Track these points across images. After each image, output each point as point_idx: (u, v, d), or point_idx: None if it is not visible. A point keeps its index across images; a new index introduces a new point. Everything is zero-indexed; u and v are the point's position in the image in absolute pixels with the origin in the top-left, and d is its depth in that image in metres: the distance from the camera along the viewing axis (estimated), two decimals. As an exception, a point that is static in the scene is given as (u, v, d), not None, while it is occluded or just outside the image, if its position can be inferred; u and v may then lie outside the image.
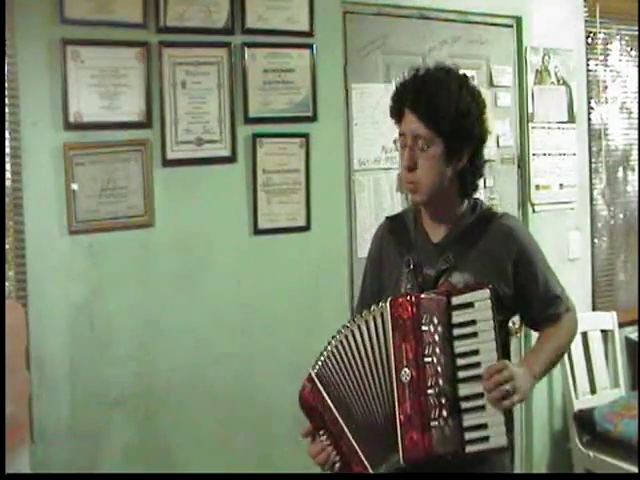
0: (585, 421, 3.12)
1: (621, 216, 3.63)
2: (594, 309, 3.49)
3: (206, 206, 2.57)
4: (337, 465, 1.57)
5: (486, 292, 1.47)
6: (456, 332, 1.47)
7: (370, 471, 1.51)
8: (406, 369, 1.46)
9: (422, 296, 1.49)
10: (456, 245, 1.62)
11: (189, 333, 2.53)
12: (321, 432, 1.58)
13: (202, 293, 2.56)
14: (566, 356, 3.19)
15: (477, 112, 1.60)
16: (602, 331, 3.38)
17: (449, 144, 1.57)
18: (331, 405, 1.56)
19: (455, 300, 1.48)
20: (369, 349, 1.52)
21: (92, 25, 2.36)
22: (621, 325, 3.45)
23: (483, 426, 1.45)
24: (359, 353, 1.54)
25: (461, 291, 1.51)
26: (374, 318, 1.52)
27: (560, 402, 3.34)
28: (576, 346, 3.26)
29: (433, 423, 1.44)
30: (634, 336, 3.50)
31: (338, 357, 1.56)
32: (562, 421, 3.35)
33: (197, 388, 2.55)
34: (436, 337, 1.47)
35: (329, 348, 1.58)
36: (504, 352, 1.54)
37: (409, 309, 1.48)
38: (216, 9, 2.54)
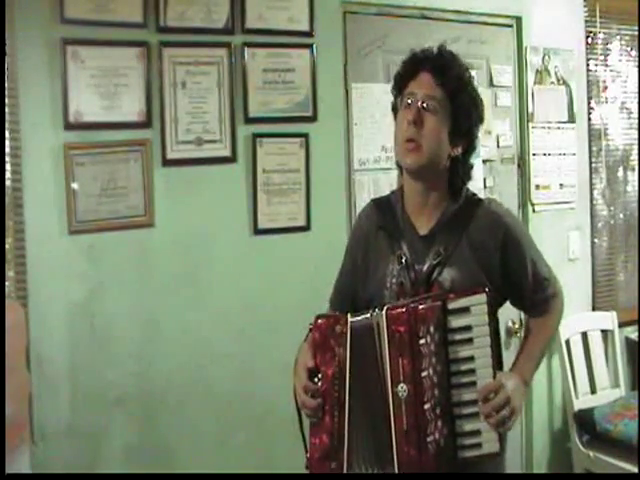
0: (585, 421, 3.12)
1: (621, 216, 3.63)
2: (594, 309, 3.48)
3: (206, 206, 2.57)
4: (313, 419, 1.51)
5: (482, 297, 1.45)
6: (451, 338, 1.45)
7: (344, 459, 1.47)
8: (403, 385, 1.44)
9: (420, 307, 1.45)
10: (444, 237, 1.58)
11: (189, 333, 2.54)
12: (319, 375, 1.51)
13: (202, 293, 2.56)
14: (566, 356, 3.20)
15: (481, 114, 1.63)
16: (602, 331, 3.38)
17: (456, 121, 1.56)
18: (348, 369, 1.48)
19: (452, 305, 1.46)
20: (368, 355, 1.48)
21: (92, 25, 2.36)
22: (621, 325, 3.45)
23: (476, 432, 1.44)
24: (362, 353, 1.49)
25: (458, 295, 1.47)
26: (370, 326, 1.48)
27: (560, 402, 3.34)
28: (576, 346, 3.26)
29: (429, 438, 1.42)
30: (634, 336, 3.50)
31: (359, 337, 1.49)
32: (562, 421, 3.35)
33: (197, 388, 2.55)
34: (432, 347, 1.44)
35: (360, 321, 1.50)
36: (496, 346, 1.51)
37: (406, 322, 1.44)
38: (216, 9, 2.54)
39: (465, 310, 1.45)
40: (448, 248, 1.57)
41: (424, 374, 1.43)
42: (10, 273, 2.30)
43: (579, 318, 3.34)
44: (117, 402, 2.43)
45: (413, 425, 1.43)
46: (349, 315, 1.52)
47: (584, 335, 3.31)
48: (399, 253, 1.60)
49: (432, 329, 1.44)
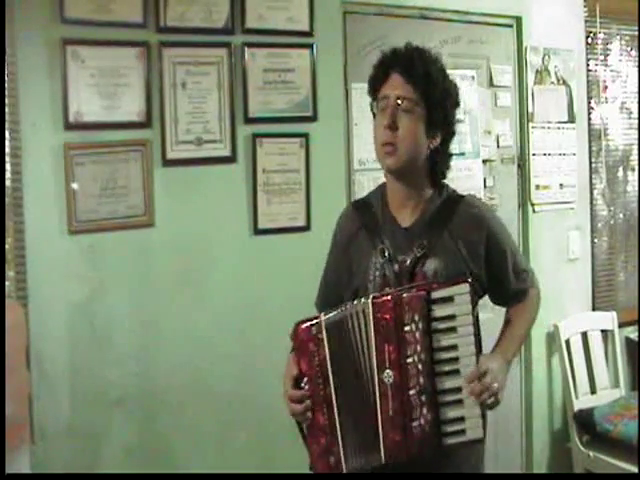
0: (585, 421, 3.11)
1: (621, 216, 3.63)
2: (594, 309, 3.48)
3: (206, 206, 2.57)
4: (307, 422, 1.56)
5: (465, 286, 1.48)
6: (435, 326, 1.48)
7: (342, 454, 1.50)
8: (388, 371, 1.48)
9: (404, 295, 1.49)
10: (427, 230, 1.62)
11: (189, 333, 2.54)
12: (305, 380, 1.56)
13: (202, 293, 2.56)
14: (566, 356, 3.20)
15: (456, 99, 1.67)
16: (602, 331, 3.38)
17: (430, 114, 1.60)
18: (329, 365, 1.53)
19: (435, 294, 1.49)
20: (353, 344, 1.52)
21: (92, 25, 2.36)
22: (621, 325, 3.45)
23: (460, 419, 1.48)
24: (348, 343, 1.52)
25: (441, 285, 1.51)
26: (357, 314, 1.51)
27: (560, 402, 3.33)
28: (576, 346, 3.26)
29: (414, 423, 1.46)
30: (634, 336, 3.50)
31: (339, 331, 1.53)
32: (562, 421, 3.35)
33: (197, 388, 2.55)
34: (417, 335, 1.48)
35: (335, 315, 1.55)
36: (476, 342, 1.54)
37: (391, 310, 1.48)
38: (216, 9, 2.54)
39: (449, 299, 1.49)
40: (431, 240, 1.61)
41: (409, 360, 1.47)
42: (10, 273, 2.30)
43: (579, 318, 3.34)
44: (117, 402, 2.43)
45: (399, 410, 1.47)
46: (322, 314, 1.56)
47: (584, 335, 3.31)
48: (381, 247, 1.63)
49: (417, 317, 1.48)
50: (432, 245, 1.60)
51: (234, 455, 2.59)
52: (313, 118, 2.71)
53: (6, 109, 2.26)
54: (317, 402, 1.54)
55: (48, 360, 2.33)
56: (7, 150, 2.27)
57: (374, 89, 1.67)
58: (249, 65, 2.60)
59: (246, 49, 2.60)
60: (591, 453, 3.09)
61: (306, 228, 2.72)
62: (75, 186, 2.36)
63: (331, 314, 1.55)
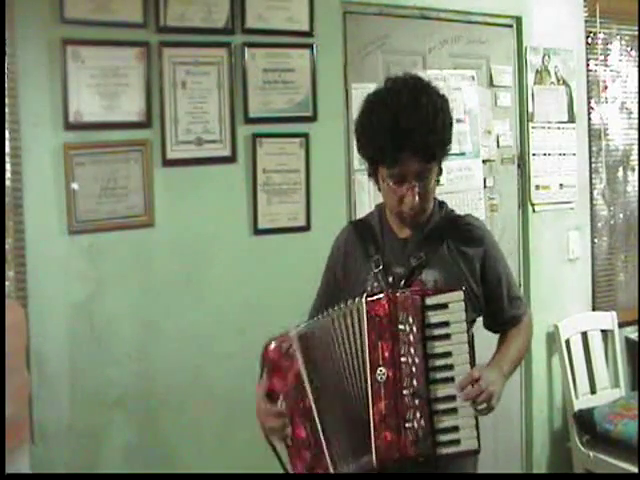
0: (585, 421, 3.11)
1: (621, 216, 3.63)
2: (594, 309, 3.48)
3: (206, 206, 2.57)
4: (287, 440, 1.52)
5: (460, 294, 1.47)
6: (430, 333, 1.46)
7: (329, 465, 1.47)
8: (382, 368, 1.45)
9: (398, 294, 1.48)
10: (425, 242, 1.62)
11: (189, 333, 2.54)
12: (280, 397, 1.53)
13: (202, 293, 2.56)
14: (566, 356, 3.20)
15: (452, 122, 1.61)
16: (602, 331, 3.38)
17: (441, 162, 1.60)
18: (305, 376, 1.51)
19: (429, 300, 1.47)
20: (345, 344, 1.49)
21: (92, 25, 2.36)
22: (621, 325, 3.45)
23: (455, 429, 1.45)
24: (335, 345, 1.50)
25: (436, 292, 1.49)
26: (350, 313, 1.49)
27: (560, 402, 3.34)
28: (576, 346, 3.26)
29: (407, 424, 1.43)
30: (634, 336, 3.50)
31: (317, 337, 1.52)
32: (562, 421, 3.35)
33: (197, 388, 2.55)
34: (411, 337, 1.45)
35: (309, 325, 1.55)
36: (471, 353, 1.52)
37: (385, 306, 1.46)
38: (216, 9, 2.54)
39: (443, 307, 1.47)
40: (429, 252, 1.60)
41: (403, 360, 1.45)
42: (10, 273, 2.30)
43: (579, 318, 3.34)
44: (117, 402, 2.43)
45: (392, 409, 1.44)
46: (293, 328, 1.54)
47: (584, 335, 3.31)
48: (376, 258, 1.63)
49: (411, 319, 1.46)
50: (430, 257, 1.59)
51: (234, 454, 2.59)
52: (313, 118, 2.72)
53: (6, 109, 2.26)
54: (296, 417, 1.51)
55: (48, 360, 2.33)
56: (7, 150, 2.27)
57: (377, 162, 1.57)
58: (249, 65, 2.60)
59: (246, 49, 2.60)
60: (591, 453, 3.09)
61: (306, 228, 2.72)
62: (75, 186, 2.36)
63: (304, 325, 1.55)
